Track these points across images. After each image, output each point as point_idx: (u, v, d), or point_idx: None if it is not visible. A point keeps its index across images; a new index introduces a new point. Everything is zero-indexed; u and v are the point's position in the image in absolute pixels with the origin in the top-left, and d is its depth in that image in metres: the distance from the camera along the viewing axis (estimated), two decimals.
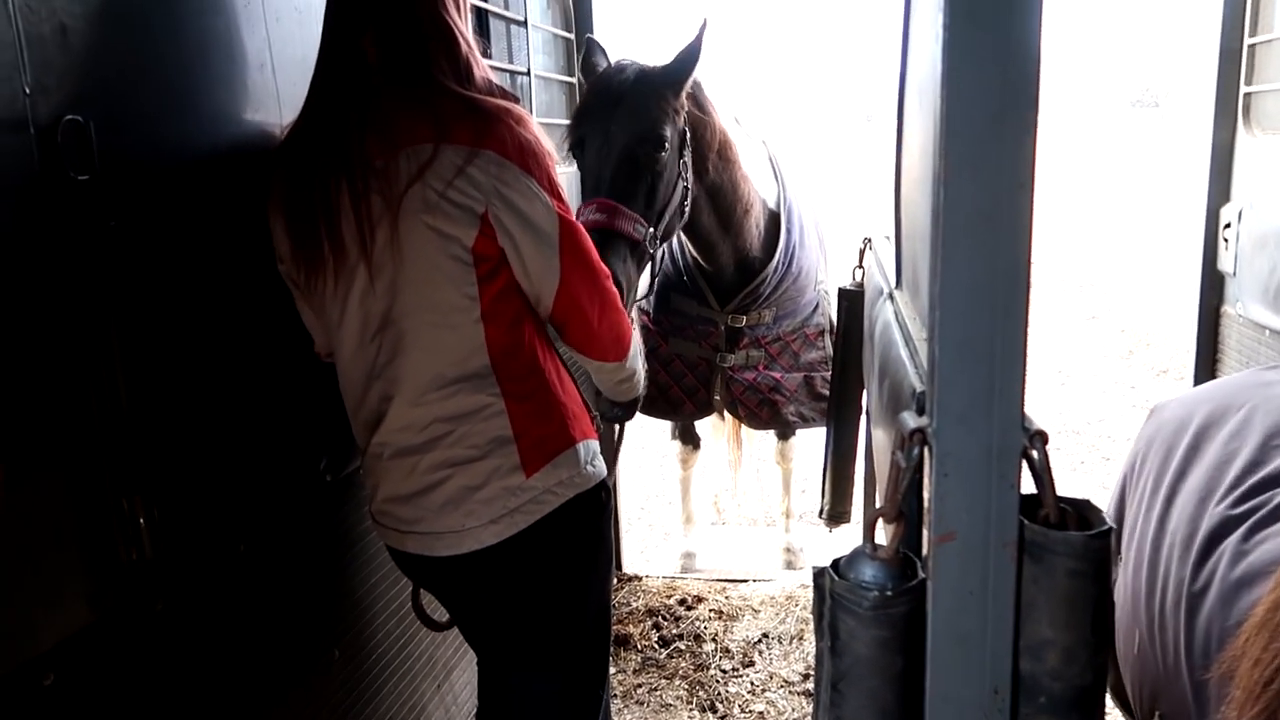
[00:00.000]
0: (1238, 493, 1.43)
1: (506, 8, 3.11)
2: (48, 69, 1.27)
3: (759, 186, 3.33)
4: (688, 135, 2.90)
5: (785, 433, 4.05)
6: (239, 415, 1.67)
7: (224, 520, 1.63)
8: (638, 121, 2.72)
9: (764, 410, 3.52)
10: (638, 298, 3.60)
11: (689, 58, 2.83)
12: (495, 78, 1.75)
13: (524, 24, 3.16)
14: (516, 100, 1.70)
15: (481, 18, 2.90)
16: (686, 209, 2.95)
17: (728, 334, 3.44)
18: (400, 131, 1.59)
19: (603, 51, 3.01)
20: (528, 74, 3.17)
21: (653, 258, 2.80)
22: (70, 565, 1.31)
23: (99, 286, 1.34)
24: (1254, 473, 1.43)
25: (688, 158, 2.92)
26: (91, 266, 1.33)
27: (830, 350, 3.51)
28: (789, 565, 4.21)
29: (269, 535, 1.76)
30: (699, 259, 3.35)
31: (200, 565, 1.56)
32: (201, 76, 1.60)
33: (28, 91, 1.23)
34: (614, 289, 1.83)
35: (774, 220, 3.41)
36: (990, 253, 0.92)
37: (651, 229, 2.73)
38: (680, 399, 3.56)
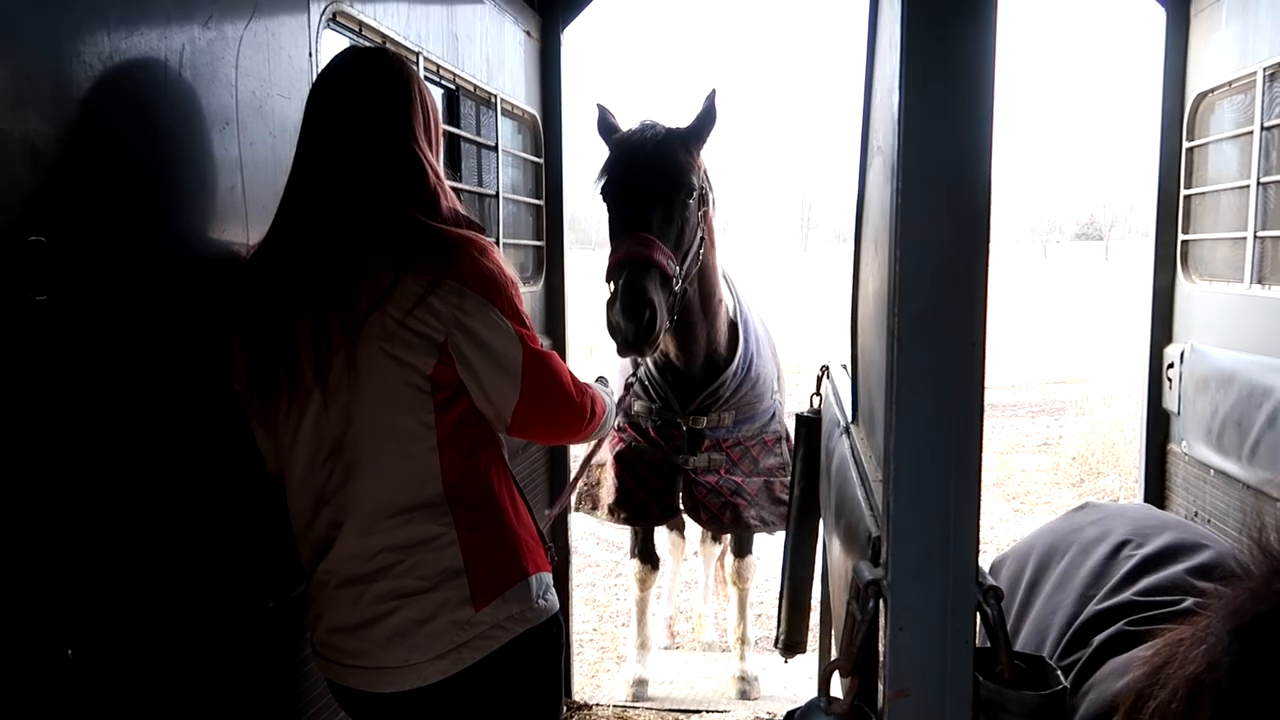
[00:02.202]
0: (1059, 649, 1.48)
1: (478, 133, 3.20)
2: (14, 188, 1.27)
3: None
4: (708, 193, 3.25)
5: (742, 549, 4.05)
6: (180, 536, 1.62)
7: (157, 649, 1.56)
8: (670, 170, 3.10)
9: (726, 513, 3.57)
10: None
11: (707, 119, 3.24)
12: (462, 206, 1.78)
13: (495, 149, 3.25)
14: (482, 230, 1.72)
15: (453, 143, 2.98)
16: (701, 256, 3.25)
17: (689, 436, 3.53)
18: (363, 259, 1.60)
19: (614, 116, 3.36)
20: (496, 196, 3.24)
21: (675, 295, 3.06)
22: None
23: (50, 405, 1.32)
24: (1070, 626, 1.50)
25: (705, 210, 3.25)
26: (44, 385, 1.31)
27: (788, 457, 3.57)
28: (743, 695, 4.10)
29: (205, 664, 1.68)
30: (672, 353, 3.47)
31: (130, 695, 1.48)
32: (170, 198, 1.61)
33: None
34: (585, 404, 1.86)
35: (733, 327, 3.61)
36: (943, 409, 0.94)
37: (679, 267, 3.04)
38: (646, 504, 3.61)
